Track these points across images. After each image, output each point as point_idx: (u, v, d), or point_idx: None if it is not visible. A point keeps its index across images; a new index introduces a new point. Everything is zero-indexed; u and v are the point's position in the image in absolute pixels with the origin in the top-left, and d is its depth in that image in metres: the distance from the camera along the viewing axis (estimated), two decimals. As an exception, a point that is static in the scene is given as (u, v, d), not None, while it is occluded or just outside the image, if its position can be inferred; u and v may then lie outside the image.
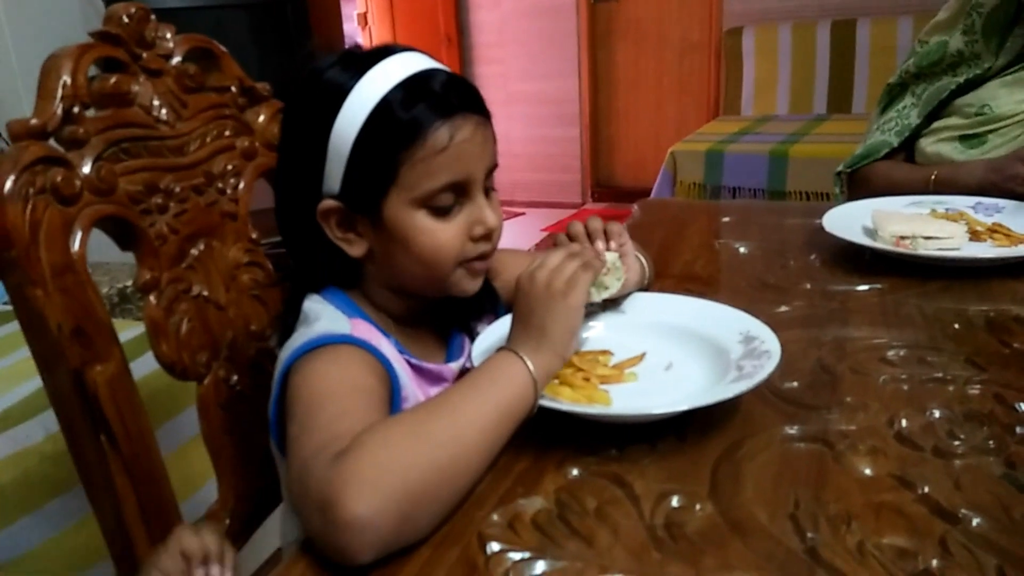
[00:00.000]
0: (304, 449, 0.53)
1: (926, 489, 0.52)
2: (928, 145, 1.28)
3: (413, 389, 0.70)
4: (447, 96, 0.65)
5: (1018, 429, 0.59)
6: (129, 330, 1.38)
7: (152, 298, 0.76)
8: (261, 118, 0.92)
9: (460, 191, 0.67)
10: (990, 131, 1.20)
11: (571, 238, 0.80)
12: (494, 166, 0.70)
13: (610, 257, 0.74)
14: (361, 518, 0.46)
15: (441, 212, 0.67)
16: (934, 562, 0.45)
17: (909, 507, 0.51)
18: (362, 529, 0.46)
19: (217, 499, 0.82)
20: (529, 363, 0.59)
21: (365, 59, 0.66)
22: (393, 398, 0.65)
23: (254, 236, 0.89)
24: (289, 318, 0.71)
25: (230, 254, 0.86)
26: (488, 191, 0.70)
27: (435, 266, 0.69)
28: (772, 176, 2.66)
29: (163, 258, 0.77)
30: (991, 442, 0.58)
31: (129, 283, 1.76)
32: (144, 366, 0.96)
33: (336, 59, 0.67)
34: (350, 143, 0.64)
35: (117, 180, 0.72)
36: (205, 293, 0.82)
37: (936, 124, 1.28)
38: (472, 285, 0.72)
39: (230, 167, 0.87)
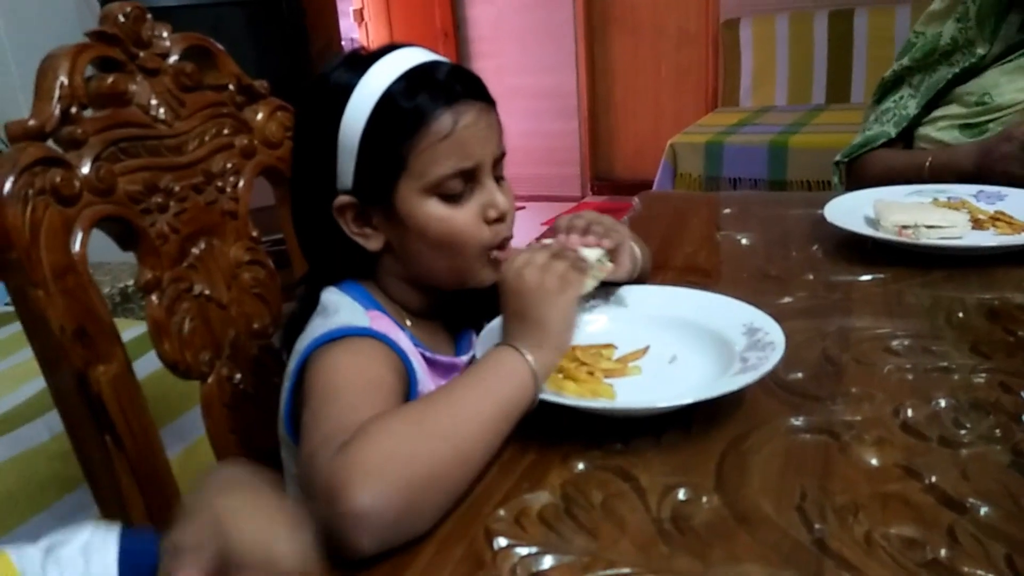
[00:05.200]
0: (313, 439, 0.54)
1: (933, 479, 0.52)
2: (928, 134, 1.27)
3: (428, 382, 0.70)
4: (449, 84, 0.67)
5: (1024, 417, 0.59)
6: (131, 330, 1.37)
7: (154, 298, 0.76)
8: (259, 116, 0.92)
9: (469, 177, 0.68)
10: (991, 120, 1.20)
11: (555, 230, 0.80)
12: (502, 154, 0.71)
13: (592, 255, 0.73)
14: (365, 507, 0.46)
15: (452, 199, 0.68)
16: (943, 552, 0.45)
17: (916, 497, 0.51)
18: (365, 518, 0.46)
19: (223, 498, 0.82)
20: (530, 358, 0.59)
21: (368, 57, 0.68)
22: (410, 392, 0.65)
23: (254, 234, 0.89)
24: (303, 311, 0.71)
25: (231, 253, 0.86)
26: (498, 179, 0.71)
27: (457, 252, 0.69)
28: (772, 166, 2.66)
29: (164, 258, 0.77)
30: (997, 431, 0.57)
31: (130, 283, 1.76)
32: (147, 366, 0.96)
33: (340, 61, 0.69)
34: (358, 137, 0.66)
35: (116, 180, 0.72)
36: (207, 292, 0.82)
37: (936, 113, 1.28)
38: (492, 275, 0.72)
39: (229, 165, 0.87)
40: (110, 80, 0.74)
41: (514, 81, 4.31)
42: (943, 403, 0.61)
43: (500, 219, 0.70)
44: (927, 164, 1.19)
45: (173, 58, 0.81)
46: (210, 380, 0.81)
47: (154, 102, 0.78)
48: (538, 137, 4.29)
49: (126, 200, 0.73)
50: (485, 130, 0.68)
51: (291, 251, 0.97)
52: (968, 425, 0.58)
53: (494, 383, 0.57)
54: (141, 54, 0.77)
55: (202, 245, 0.82)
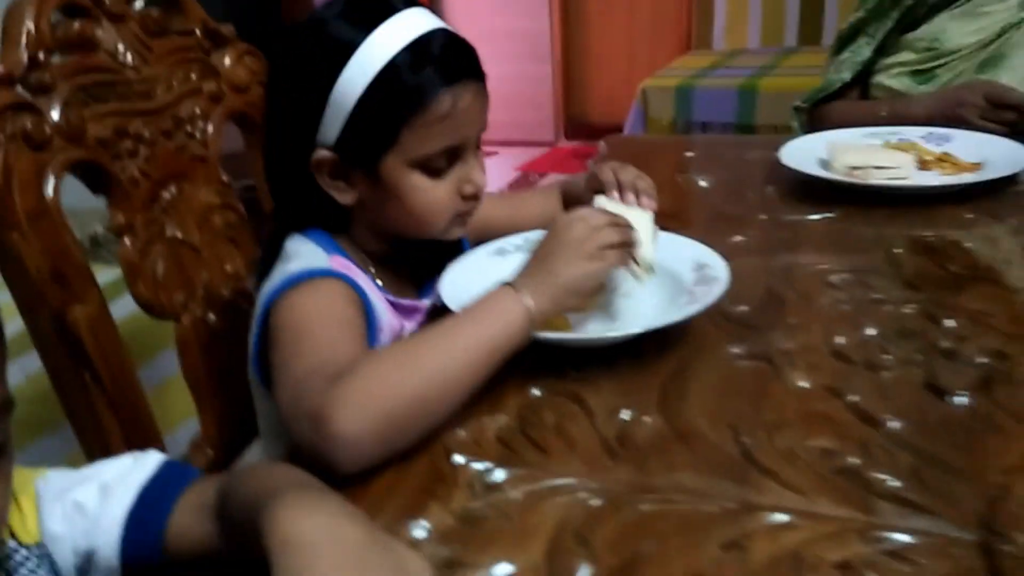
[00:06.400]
0: (297, 370, 0.58)
1: (855, 398, 0.57)
2: (881, 81, 1.31)
3: (389, 319, 0.73)
4: (451, 61, 0.67)
5: (943, 343, 0.64)
6: (101, 275, 1.39)
7: (127, 240, 0.78)
8: (227, 61, 0.93)
9: (454, 153, 0.70)
10: (939, 66, 1.24)
11: (602, 184, 0.82)
12: (484, 128, 0.73)
13: (646, 220, 0.74)
14: (346, 434, 0.51)
15: (434, 172, 0.70)
16: (855, 460, 0.50)
17: (838, 414, 0.56)
18: (346, 444, 0.51)
19: (200, 431, 0.86)
20: (529, 301, 0.61)
21: (371, 13, 0.66)
22: (369, 328, 0.69)
23: (224, 179, 0.91)
24: (269, 257, 0.73)
25: (202, 197, 0.88)
26: (476, 150, 0.73)
27: (429, 221, 0.72)
28: (741, 111, 2.68)
29: (136, 201, 0.79)
30: (918, 355, 0.62)
31: (100, 229, 1.76)
32: (118, 311, 0.98)
33: (341, 8, 0.68)
34: (353, 101, 0.66)
35: (86, 125, 0.73)
36: (179, 235, 0.84)
37: (888, 60, 1.31)
38: (460, 232, 0.76)
39: (198, 111, 0.88)
40: (77, 25, 0.75)
41: (487, 23, 4.25)
42: (872, 332, 0.66)
43: (475, 195, 0.73)
44: (883, 115, 1.23)
45: (138, 4, 0.82)
46: (184, 321, 0.83)
47: (121, 48, 0.79)
48: (511, 81, 4.25)
49: (96, 145, 0.75)
50: (478, 111, 0.70)
51: (262, 198, 0.99)
52: (892, 351, 0.63)
53: (487, 323, 0.60)
54: (106, 0, 0.78)
55: (173, 189, 0.84)
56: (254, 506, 0.39)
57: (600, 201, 0.77)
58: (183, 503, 0.48)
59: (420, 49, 0.66)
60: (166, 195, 0.83)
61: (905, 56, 1.28)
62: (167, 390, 1.27)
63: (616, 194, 0.80)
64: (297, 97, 0.70)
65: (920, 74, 1.26)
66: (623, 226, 0.67)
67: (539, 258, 0.65)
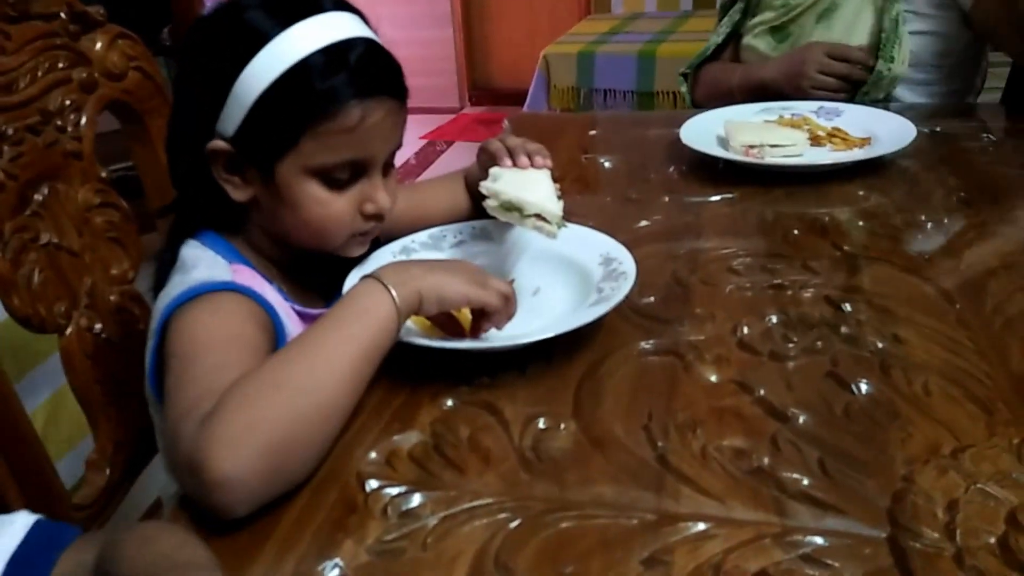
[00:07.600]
0: (177, 406, 0.53)
1: (762, 392, 0.58)
2: (748, 42, 1.37)
3: (298, 331, 0.69)
4: (367, 73, 0.64)
5: (843, 329, 0.66)
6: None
7: (-4, 251, 0.71)
8: (98, 46, 0.86)
9: (358, 168, 0.67)
10: (790, 20, 1.30)
11: (492, 155, 0.80)
12: (398, 147, 0.70)
13: (545, 178, 0.75)
14: (229, 477, 0.46)
15: (335, 184, 0.66)
16: (766, 459, 0.51)
17: (747, 409, 0.57)
18: (232, 488, 0.47)
19: (95, 449, 0.81)
20: (394, 292, 0.57)
21: (294, 8, 0.63)
22: (277, 345, 0.64)
23: (103, 175, 0.84)
24: (165, 264, 0.69)
25: (79, 196, 0.81)
26: (388, 168, 0.70)
27: (324, 235, 0.69)
28: (640, 77, 2.70)
29: (2, 207, 0.72)
30: (819, 343, 0.64)
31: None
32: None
33: None
34: (256, 95, 0.62)
35: (-62, 127, 0.66)
36: (55, 240, 0.78)
37: (753, 20, 1.37)
38: (359, 250, 0.73)
39: (68, 102, 0.81)
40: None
41: (383, -16, 4.12)
42: (774, 319, 0.68)
43: (376, 215, 0.69)
44: (736, 73, 1.31)
45: (-10, -15, 0.74)
46: (69, 332, 0.78)
47: (-27, 37, 0.72)
48: (412, 46, 4.14)
49: (-48, 149, 0.68)
50: (389, 129, 0.67)
51: (142, 177, 0.93)
52: (795, 339, 0.65)
53: (355, 326, 0.56)
54: (-48, -16, 0.70)
55: (45, 191, 0.78)
56: None
57: (495, 172, 0.76)
58: (58, 572, 0.44)
59: (336, 54, 0.62)
60: (38, 197, 0.77)
61: (766, 15, 1.35)
62: (63, 400, 1.19)
63: (508, 161, 0.78)
64: (201, 81, 0.66)
65: (779, 31, 1.32)
66: (507, 294, 0.63)
67: (420, 262, 0.63)
